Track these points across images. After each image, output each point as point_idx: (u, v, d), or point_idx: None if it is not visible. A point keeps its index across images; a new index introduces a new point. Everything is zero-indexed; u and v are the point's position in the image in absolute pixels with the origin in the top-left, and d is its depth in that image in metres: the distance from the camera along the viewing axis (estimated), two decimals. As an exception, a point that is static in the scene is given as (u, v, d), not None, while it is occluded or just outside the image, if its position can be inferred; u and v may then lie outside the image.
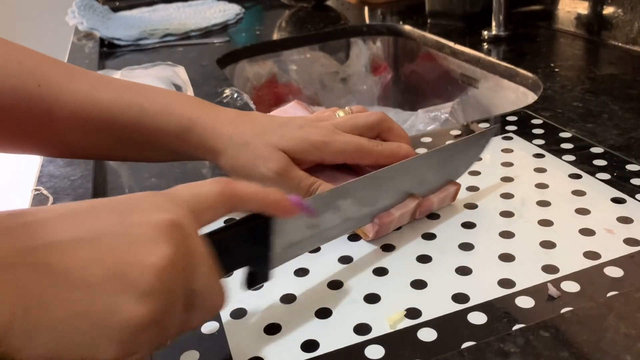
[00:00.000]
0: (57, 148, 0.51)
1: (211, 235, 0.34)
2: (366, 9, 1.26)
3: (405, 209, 0.46)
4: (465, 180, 0.53)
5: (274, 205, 0.36)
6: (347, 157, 0.49)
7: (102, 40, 1.12)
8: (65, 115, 0.47)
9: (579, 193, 0.50)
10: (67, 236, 0.27)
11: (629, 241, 0.43)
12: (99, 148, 0.51)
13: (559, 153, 0.56)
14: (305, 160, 0.48)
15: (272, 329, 0.38)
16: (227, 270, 0.35)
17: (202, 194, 0.33)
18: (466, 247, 0.44)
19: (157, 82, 0.75)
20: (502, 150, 0.58)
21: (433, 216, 0.49)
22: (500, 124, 0.55)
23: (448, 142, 0.50)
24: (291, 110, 0.57)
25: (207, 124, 0.48)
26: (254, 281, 0.38)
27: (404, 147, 0.49)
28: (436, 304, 0.39)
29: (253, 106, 0.76)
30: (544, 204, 0.49)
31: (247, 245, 0.37)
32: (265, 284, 0.42)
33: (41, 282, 0.25)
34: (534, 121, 0.63)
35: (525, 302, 0.38)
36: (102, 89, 0.48)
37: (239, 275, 0.44)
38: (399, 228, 0.47)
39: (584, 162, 0.54)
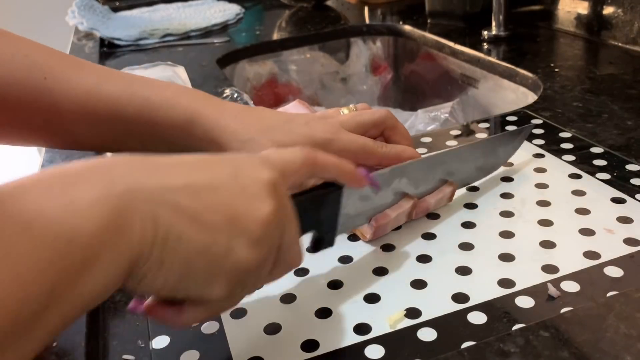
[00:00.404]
0: (63, 140, 0.51)
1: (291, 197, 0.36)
2: (366, 9, 1.26)
3: (400, 209, 0.46)
4: (465, 180, 0.53)
5: (348, 175, 0.39)
6: (351, 156, 0.49)
7: (102, 40, 1.12)
8: (71, 107, 0.48)
9: (578, 193, 0.50)
10: (194, 180, 0.30)
11: (629, 241, 0.43)
12: (104, 139, 0.51)
13: (558, 153, 0.56)
14: None
15: (272, 329, 0.38)
16: (301, 231, 0.38)
17: (290, 159, 0.36)
18: (466, 247, 0.44)
19: (157, 82, 0.74)
20: (502, 150, 0.58)
21: (433, 216, 0.49)
22: (531, 125, 0.58)
23: (488, 137, 0.53)
24: (293, 109, 0.57)
25: (212, 117, 0.49)
26: (320, 245, 0.41)
27: (408, 150, 0.50)
28: (436, 303, 0.39)
29: (253, 106, 0.76)
30: (543, 204, 0.49)
31: (319, 210, 0.40)
32: (265, 285, 0.42)
33: (179, 220, 0.28)
34: (534, 121, 0.63)
35: (525, 302, 0.38)
36: (108, 81, 0.49)
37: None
38: (399, 228, 0.47)
39: (583, 162, 0.54)
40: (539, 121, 0.63)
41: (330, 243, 0.41)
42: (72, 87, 0.48)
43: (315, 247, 0.41)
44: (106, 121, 0.49)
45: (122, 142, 0.51)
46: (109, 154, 0.56)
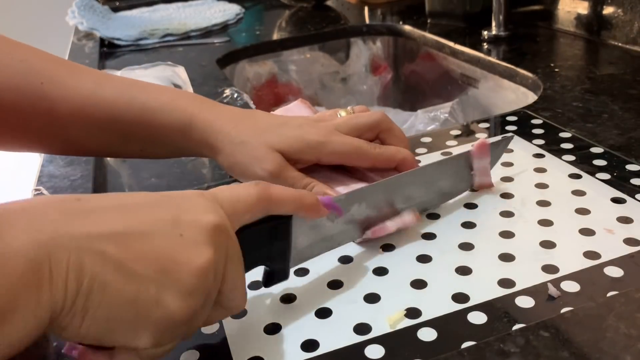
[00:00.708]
0: (60, 145, 0.51)
1: (237, 234, 0.35)
2: (366, 9, 1.26)
3: (401, 224, 0.46)
4: (465, 180, 0.53)
5: (307, 208, 0.38)
6: (343, 158, 0.49)
7: (102, 40, 1.12)
8: (68, 112, 0.48)
9: (579, 193, 0.50)
10: (125, 228, 0.29)
11: (629, 241, 0.43)
12: (101, 144, 0.51)
13: (558, 153, 0.56)
14: (302, 160, 0.49)
15: (272, 329, 0.38)
16: (248, 269, 0.36)
17: (241, 197, 0.35)
18: (466, 247, 0.44)
19: (157, 82, 0.74)
20: (502, 150, 0.58)
21: (433, 216, 0.49)
22: (512, 136, 0.55)
23: (458, 153, 0.50)
24: (295, 109, 0.57)
25: (208, 121, 0.49)
26: (272, 279, 0.39)
27: (402, 152, 0.50)
28: (436, 303, 0.39)
29: (253, 106, 0.76)
30: (544, 203, 0.49)
31: (268, 243, 0.38)
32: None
33: (104, 269, 0.27)
34: (534, 121, 0.63)
35: (525, 302, 0.38)
36: (105, 86, 0.49)
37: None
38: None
39: (583, 162, 0.54)
40: (539, 121, 0.63)
41: (283, 276, 0.40)
42: (69, 92, 0.48)
43: (267, 281, 0.39)
44: (104, 126, 0.49)
45: (119, 146, 0.51)
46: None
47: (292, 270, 0.43)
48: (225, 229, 0.32)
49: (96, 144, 0.51)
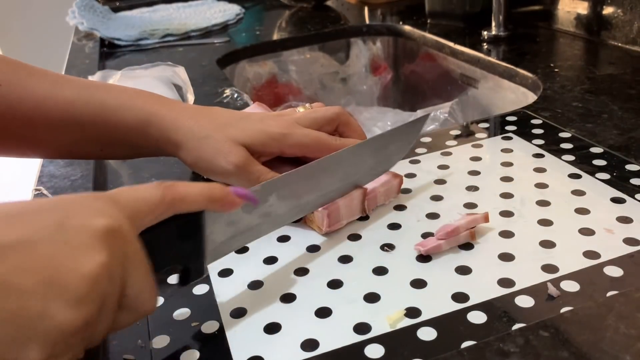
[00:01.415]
0: (18, 146, 0.51)
1: (141, 235, 0.33)
2: (366, 9, 1.26)
3: (349, 198, 0.47)
4: (464, 180, 0.53)
5: (219, 201, 0.37)
6: (305, 150, 0.50)
7: (102, 40, 1.12)
8: (26, 113, 0.48)
9: (578, 193, 0.50)
10: (3, 239, 0.27)
11: (628, 241, 0.43)
12: (61, 145, 0.51)
13: (558, 153, 0.56)
14: (265, 153, 0.49)
15: (272, 329, 0.38)
16: (159, 269, 0.35)
17: (143, 198, 0.33)
18: (466, 246, 0.44)
19: (157, 82, 0.75)
20: (502, 150, 0.58)
21: (433, 216, 0.49)
22: (429, 113, 0.57)
23: (381, 132, 0.52)
24: (251, 111, 0.58)
25: (167, 117, 0.49)
26: (188, 278, 0.38)
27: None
28: (436, 303, 0.39)
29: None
30: (543, 203, 0.49)
31: (179, 242, 0.37)
32: (265, 284, 0.42)
33: None
34: (534, 121, 0.63)
35: (525, 302, 0.38)
36: (63, 87, 0.49)
37: (239, 276, 0.44)
38: (366, 218, 0.47)
39: (583, 162, 0.54)
40: (538, 121, 0.63)
41: (199, 273, 0.38)
42: (27, 93, 0.48)
43: (183, 280, 0.38)
44: (62, 126, 0.49)
45: (79, 147, 0.51)
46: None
47: (292, 269, 0.43)
48: (121, 231, 0.31)
49: (55, 144, 0.51)
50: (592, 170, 0.52)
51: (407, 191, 0.53)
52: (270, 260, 0.45)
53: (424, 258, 0.43)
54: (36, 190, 0.58)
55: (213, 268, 0.44)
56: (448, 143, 0.61)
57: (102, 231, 0.29)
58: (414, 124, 0.53)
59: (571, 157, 0.55)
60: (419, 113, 0.84)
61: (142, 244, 0.32)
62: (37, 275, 0.27)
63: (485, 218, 0.45)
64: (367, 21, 1.19)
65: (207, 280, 0.43)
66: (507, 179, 0.53)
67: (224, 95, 0.79)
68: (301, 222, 0.49)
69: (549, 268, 0.41)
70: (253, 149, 0.48)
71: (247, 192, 0.38)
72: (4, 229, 0.27)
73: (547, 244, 0.43)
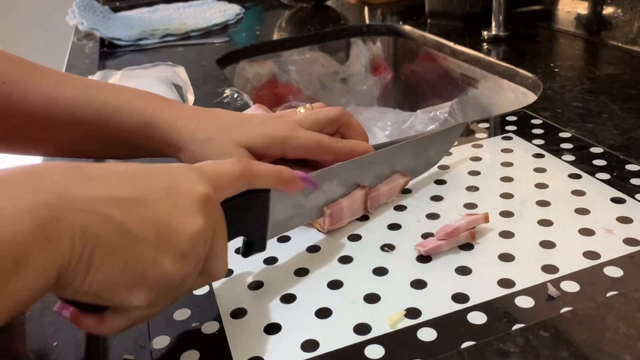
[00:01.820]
0: (21, 144, 0.51)
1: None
2: (366, 9, 1.26)
3: (352, 198, 0.48)
4: (464, 180, 0.53)
5: (285, 182, 0.40)
6: (307, 153, 0.50)
7: (102, 40, 1.12)
8: (28, 111, 0.48)
9: (578, 193, 0.50)
10: (125, 193, 0.30)
11: (628, 241, 0.43)
12: (62, 144, 0.51)
13: (558, 153, 0.56)
14: (268, 155, 0.49)
15: (272, 329, 0.38)
16: (229, 239, 0.38)
17: (225, 172, 0.36)
18: (466, 246, 0.44)
19: (157, 82, 0.75)
20: (502, 150, 0.58)
21: (433, 216, 0.49)
22: (466, 123, 0.58)
23: (421, 135, 0.54)
24: (252, 112, 0.58)
25: (169, 119, 0.49)
26: (251, 250, 0.41)
27: (363, 145, 0.51)
28: (436, 303, 0.39)
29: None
30: (543, 203, 0.49)
31: (247, 215, 0.40)
32: (265, 284, 0.42)
33: (107, 231, 0.29)
34: (534, 121, 0.63)
35: (525, 302, 0.38)
36: (65, 86, 0.49)
37: (239, 276, 0.44)
38: (366, 218, 0.47)
39: (583, 162, 0.54)
40: (538, 121, 0.63)
41: (261, 247, 0.42)
42: (29, 92, 0.48)
43: (246, 251, 0.42)
44: (64, 125, 0.49)
45: (80, 147, 0.52)
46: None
47: (292, 270, 0.43)
48: (214, 200, 0.34)
49: (56, 143, 0.51)
50: (592, 170, 0.52)
51: (407, 191, 0.53)
52: (270, 261, 0.45)
53: (424, 258, 0.43)
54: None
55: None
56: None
57: (202, 198, 0.33)
58: (453, 130, 0.55)
59: (571, 157, 0.55)
60: (419, 113, 0.84)
61: None
62: (153, 228, 0.30)
63: (485, 218, 0.45)
64: (367, 21, 1.19)
65: (207, 281, 0.43)
66: (507, 179, 0.53)
67: (224, 95, 0.79)
68: None
69: (549, 268, 0.41)
70: (255, 152, 0.48)
71: (309, 177, 0.42)
72: (125, 186, 0.31)
73: (547, 244, 0.43)
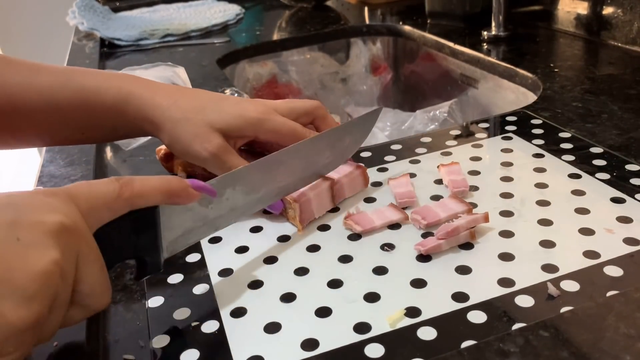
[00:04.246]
0: (1, 135, 0.51)
1: (97, 231, 0.34)
2: (366, 9, 1.26)
3: (318, 188, 0.48)
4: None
5: (177, 195, 0.37)
6: (280, 138, 0.50)
7: (102, 40, 1.12)
8: (4, 100, 0.48)
9: (578, 193, 0.50)
10: None
11: (628, 241, 0.43)
12: (41, 131, 0.51)
13: (558, 153, 0.56)
14: (241, 137, 0.50)
15: (272, 328, 0.38)
16: (115, 264, 0.36)
17: (99, 194, 0.33)
18: (466, 246, 0.44)
19: (157, 82, 0.74)
20: (502, 150, 0.58)
21: (433, 216, 0.49)
22: (381, 107, 0.58)
23: (336, 126, 0.53)
24: None
25: (145, 95, 0.49)
26: (144, 272, 0.38)
27: None
28: (436, 303, 0.39)
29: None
30: (543, 203, 0.49)
31: (134, 236, 0.36)
32: (265, 284, 0.42)
33: None
34: (534, 121, 0.63)
35: (525, 301, 0.38)
36: (40, 73, 0.49)
37: (239, 275, 0.44)
38: (336, 209, 0.47)
39: (583, 162, 0.54)
40: (538, 121, 0.63)
41: (156, 268, 0.38)
42: (5, 82, 0.48)
43: (139, 274, 0.38)
44: (41, 112, 0.49)
45: (60, 132, 0.52)
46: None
47: (292, 269, 0.43)
48: (75, 228, 0.31)
49: (35, 131, 0.51)
50: (592, 170, 0.52)
51: (407, 191, 0.53)
52: (270, 260, 0.45)
53: (424, 258, 0.43)
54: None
55: (213, 267, 0.44)
56: (448, 143, 0.61)
57: (55, 228, 0.29)
58: (368, 117, 0.54)
59: (571, 157, 0.55)
60: (418, 114, 0.84)
61: (99, 240, 0.33)
62: None
63: (485, 218, 0.45)
64: (367, 21, 1.19)
65: (207, 280, 0.43)
66: (507, 179, 0.53)
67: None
68: (281, 215, 0.50)
69: (549, 268, 0.41)
70: (229, 133, 0.49)
71: (205, 185, 0.39)
72: None
73: (547, 244, 0.43)
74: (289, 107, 0.51)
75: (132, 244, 0.37)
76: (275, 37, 1.13)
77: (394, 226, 0.48)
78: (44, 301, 0.29)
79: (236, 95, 0.79)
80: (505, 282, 0.40)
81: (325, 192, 0.49)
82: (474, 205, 0.49)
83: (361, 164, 0.53)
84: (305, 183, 0.49)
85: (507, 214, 0.48)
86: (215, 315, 0.40)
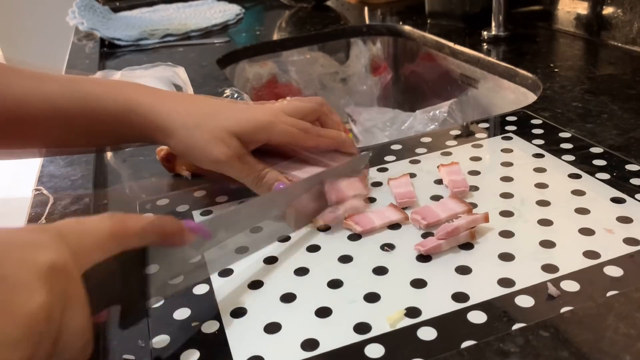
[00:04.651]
0: (6, 143, 0.51)
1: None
2: (366, 9, 1.26)
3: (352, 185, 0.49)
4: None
5: (170, 237, 0.35)
6: (292, 138, 0.51)
7: (102, 40, 1.12)
8: (10, 110, 0.48)
9: (578, 193, 0.50)
10: None
11: (628, 241, 0.43)
12: (47, 139, 0.52)
13: (558, 153, 0.56)
14: (254, 141, 0.50)
15: (272, 328, 0.38)
16: (98, 311, 0.32)
17: (91, 232, 0.31)
18: (466, 246, 0.44)
19: (157, 83, 0.75)
20: (502, 150, 0.58)
21: (433, 216, 0.49)
22: (370, 152, 0.57)
23: (328, 168, 0.52)
24: None
25: (153, 104, 0.49)
26: (127, 320, 0.35)
27: (342, 134, 0.53)
28: (436, 303, 0.39)
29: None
30: (543, 203, 0.49)
31: (119, 281, 0.33)
32: (265, 284, 0.42)
33: None
34: (534, 121, 0.63)
35: (525, 302, 0.38)
36: (45, 82, 0.50)
37: (240, 276, 0.44)
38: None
39: (583, 162, 0.54)
40: (538, 121, 0.63)
41: (142, 315, 0.36)
42: (11, 90, 0.48)
43: (122, 323, 0.35)
44: (47, 120, 0.49)
45: (66, 140, 0.52)
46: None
47: (292, 269, 0.43)
48: (65, 268, 0.28)
49: (41, 139, 0.52)
50: (592, 170, 0.52)
51: (407, 191, 0.53)
52: (270, 260, 0.45)
53: (424, 258, 0.43)
54: (36, 190, 0.58)
55: (213, 268, 0.44)
56: (448, 143, 0.61)
57: (45, 268, 0.27)
58: (357, 162, 0.54)
59: (571, 157, 0.55)
60: (418, 114, 0.84)
61: (84, 283, 0.30)
62: None
63: (485, 218, 0.45)
64: (367, 21, 1.19)
65: (207, 280, 0.43)
66: (507, 179, 0.53)
67: (224, 95, 0.79)
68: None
69: (549, 268, 0.41)
70: (243, 137, 0.49)
71: (201, 226, 0.37)
72: None
73: (547, 244, 0.43)
74: (294, 107, 0.52)
75: (117, 289, 0.33)
76: (275, 37, 1.13)
77: (394, 226, 0.48)
78: (30, 345, 0.26)
79: (236, 95, 0.79)
80: (505, 282, 0.40)
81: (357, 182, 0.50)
82: (474, 206, 0.49)
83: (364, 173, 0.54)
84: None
85: (507, 214, 0.48)
86: (216, 315, 0.40)
